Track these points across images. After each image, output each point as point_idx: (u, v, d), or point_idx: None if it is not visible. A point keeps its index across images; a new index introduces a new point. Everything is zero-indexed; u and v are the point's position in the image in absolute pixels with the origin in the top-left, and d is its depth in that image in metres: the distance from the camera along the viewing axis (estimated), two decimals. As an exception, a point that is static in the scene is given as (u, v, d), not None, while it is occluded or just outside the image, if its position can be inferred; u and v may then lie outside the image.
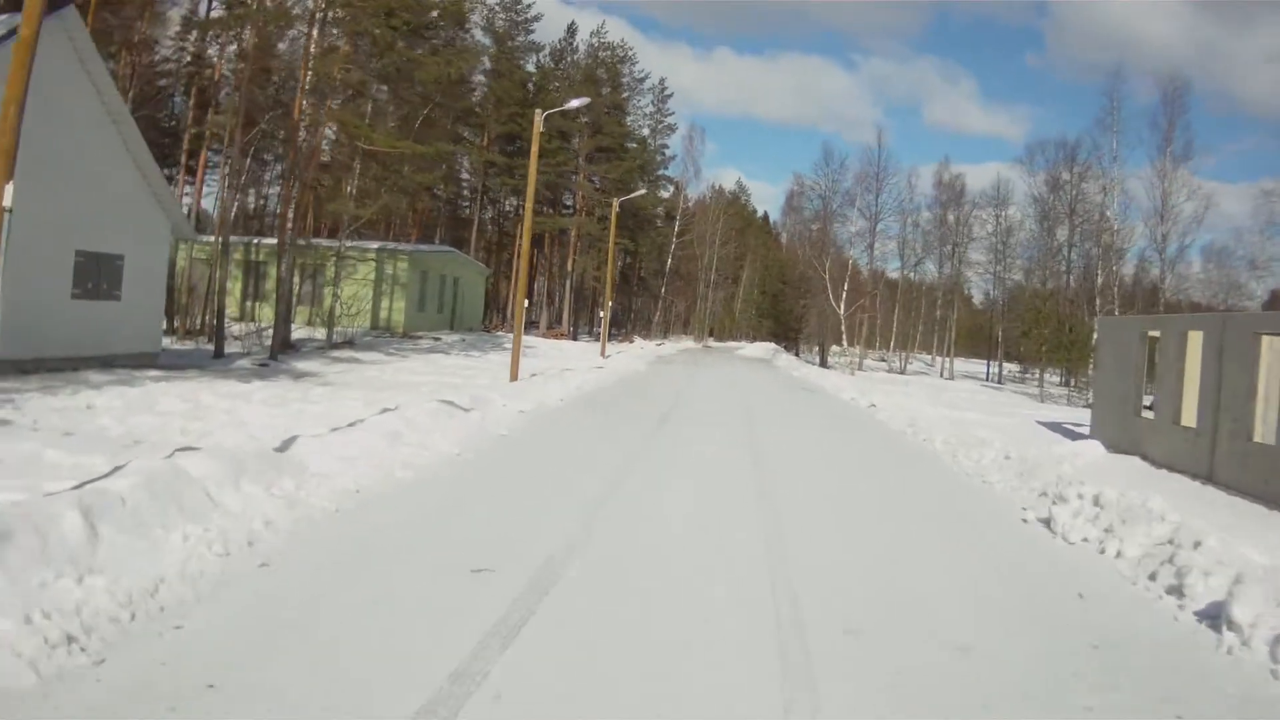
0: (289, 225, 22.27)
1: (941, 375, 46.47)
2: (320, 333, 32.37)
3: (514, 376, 17.16)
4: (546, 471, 8.35)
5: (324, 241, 33.24)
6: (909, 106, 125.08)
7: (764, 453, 10.45)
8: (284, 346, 24.54)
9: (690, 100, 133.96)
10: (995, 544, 6.75)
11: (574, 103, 21.43)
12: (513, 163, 46.93)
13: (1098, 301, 41.75)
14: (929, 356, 66.29)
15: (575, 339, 50.54)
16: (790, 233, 75.47)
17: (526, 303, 25.24)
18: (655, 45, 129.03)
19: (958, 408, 21.62)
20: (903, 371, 45.72)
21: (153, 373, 16.08)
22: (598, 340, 55.69)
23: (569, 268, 48.66)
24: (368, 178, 25.70)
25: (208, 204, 42.13)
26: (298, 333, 28.51)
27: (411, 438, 9.04)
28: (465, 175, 50.94)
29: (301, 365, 20.91)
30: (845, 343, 33.69)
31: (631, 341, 52.95)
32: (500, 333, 42.78)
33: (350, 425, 9.49)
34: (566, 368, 22.94)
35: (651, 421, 12.59)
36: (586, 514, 6.40)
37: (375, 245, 33.04)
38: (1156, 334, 14.46)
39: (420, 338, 31.13)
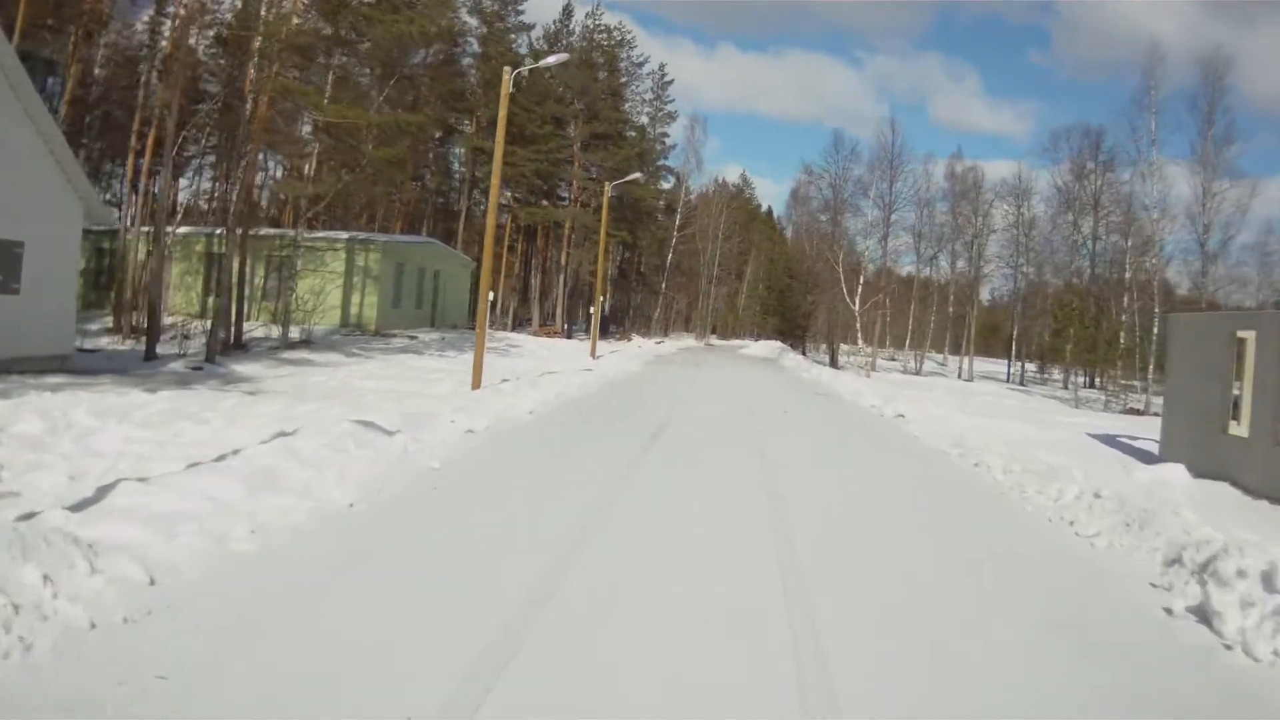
0: (234, 209, 19.85)
1: (959, 376, 43.97)
2: (295, 331, 30.09)
3: (477, 384, 14.75)
4: (465, 541, 5.73)
5: (289, 231, 30.91)
6: (914, 104, 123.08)
7: (783, 498, 7.97)
8: (234, 346, 22.17)
9: (694, 97, 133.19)
10: (1150, 666, 4.30)
11: (550, 59, 18.97)
12: (514, 157, 44.42)
13: (1126, 298, 39.26)
14: (940, 356, 63.78)
15: (570, 337, 48.13)
16: (796, 226, 73.04)
17: (492, 296, 22.84)
18: (658, 41, 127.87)
19: (992, 416, 19.17)
20: (918, 372, 43.24)
21: (54, 379, 13.70)
22: (599, 338, 53.37)
23: (563, 261, 46.22)
24: (324, 155, 23.23)
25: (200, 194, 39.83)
26: (257, 330, 26.16)
27: (292, 478, 6.61)
28: (458, 167, 48.56)
29: (241, 368, 18.50)
30: (860, 341, 31.17)
31: (630, 339, 50.53)
32: (490, 331, 40.40)
33: (219, 459, 7.08)
34: (549, 370, 20.53)
35: (634, 446, 10.14)
36: (495, 656, 4.00)
37: (345, 235, 30.62)
38: (1248, 334, 11.99)
39: (394, 336, 28.72)
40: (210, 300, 30.22)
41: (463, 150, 46.13)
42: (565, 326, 51.14)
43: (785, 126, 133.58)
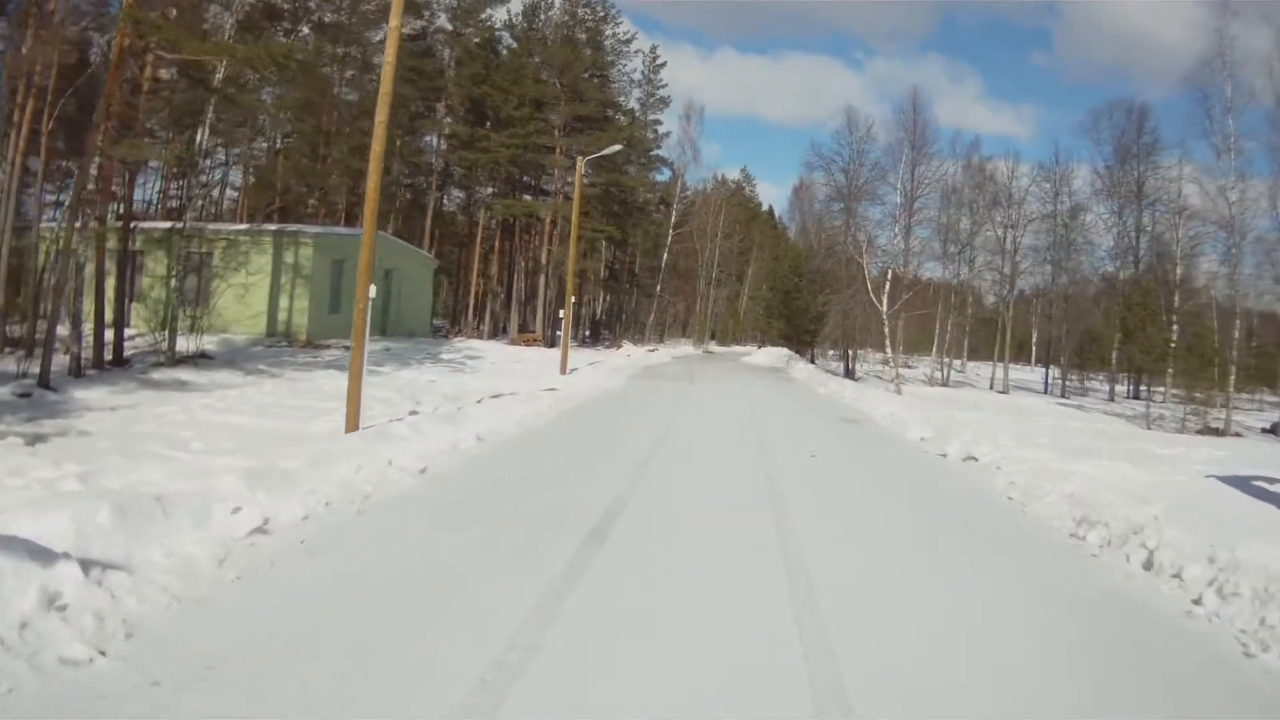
0: (78, 191, 15.40)
1: (991, 387, 39.39)
2: (202, 341, 25.72)
3: (352, 424, 10.26)
4: None
5: (203, 226, 26.60)
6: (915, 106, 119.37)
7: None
8: (113, 362, 17.73)
9: (693, 100, 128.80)
10: None
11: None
12: (476, 133, 40.09)
13: (1176, 296, 34.78)
14: (958, 362, 59.19)
15: (553, 345, 43.67)
16: (801, 221, 68.59)
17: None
18: (658, 44, 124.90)
19: (1076, 450, 14.67)
20: (945, 383, 38.73)
21: None
22: (586, 346, 48.81)
23: (544, 260, 41.77)
24: (224, 125, 18.78)
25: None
26: (180, 343, 21.72)
27: None
28: (431, 158, 44.19)
29: (84, 394, 14.06)
30: (888, 349, 26.70)
31: (619, 347, 46.08)
32: (460, 339, 36.05)
33: None
34: (500, 393, 16.06)
35: (559, 567, 5.63)
36: None
37: (273, 228, 26.23)
38: None
39: (327, 346, 24.26)
40: (127, 305, 25.97)
41: (436, 138, 41.75)
42: (549, 333, 46.69)
43: (785, 131, 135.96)
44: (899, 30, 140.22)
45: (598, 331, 60.84)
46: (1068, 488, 9.23)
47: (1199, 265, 37.34)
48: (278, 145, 42.82)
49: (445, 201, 50.90)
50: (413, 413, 12.32)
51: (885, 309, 26.31)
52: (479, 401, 14.21)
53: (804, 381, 28.48)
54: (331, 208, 41.52)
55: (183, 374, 17.13)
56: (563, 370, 21.29)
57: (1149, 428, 24.00)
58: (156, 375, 16.67)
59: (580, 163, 22.08)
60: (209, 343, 24.80)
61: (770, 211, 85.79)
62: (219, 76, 18.29)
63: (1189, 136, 40.16)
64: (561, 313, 21.30)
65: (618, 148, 25.56)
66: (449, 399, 14.75)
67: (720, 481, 9.06)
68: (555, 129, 40.87)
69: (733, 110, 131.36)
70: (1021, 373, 53.98)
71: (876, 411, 18.11)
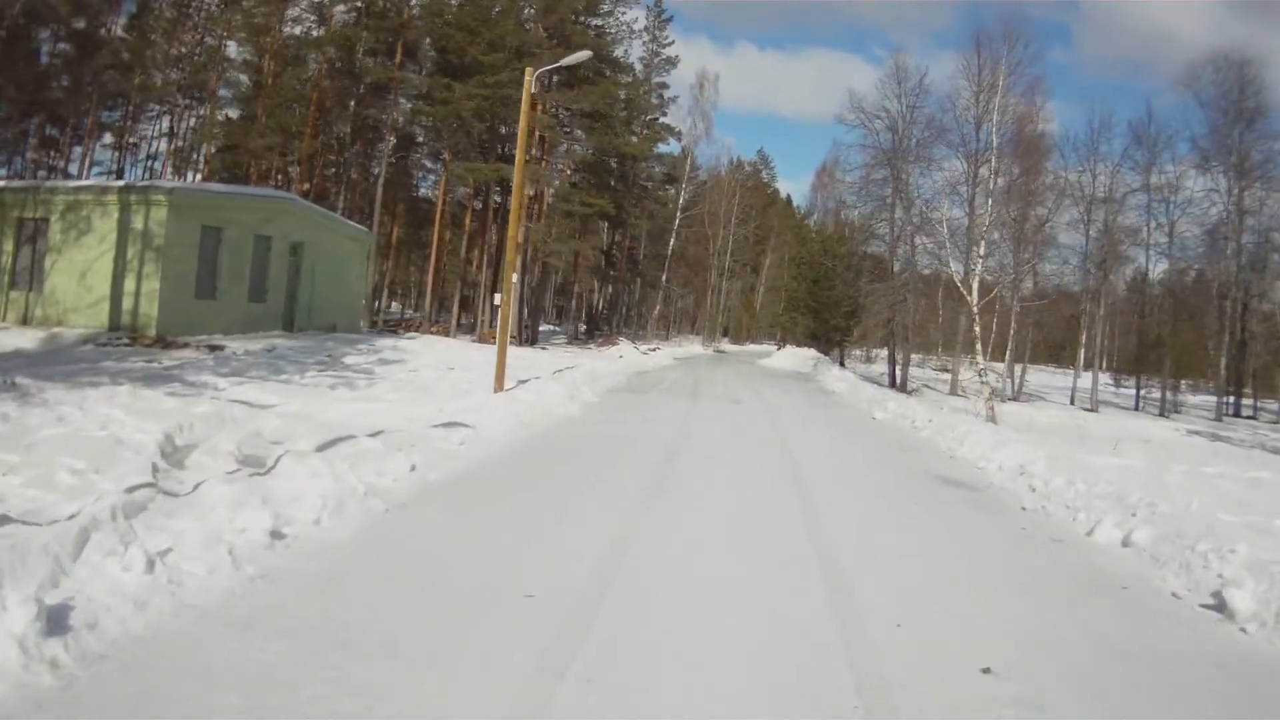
0: None
1: (1072, 401, 32.24)
2: (24, 337, 19.64)
3: None
4: None
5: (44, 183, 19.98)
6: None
7: None
8: None
9: (706, 69, 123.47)
10: None
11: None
12: (434, 83, 33.24)
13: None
14: (999, 365, 51.95)
15: (534, 344, 36.81)
16: (823, 211, 61.46)
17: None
18: (674, 37, 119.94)
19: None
20: (1016, 396, 31.72)
21: None
22: (577, 343, 41.72)
23: (521, 239, 34.81)
24: None
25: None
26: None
27: None
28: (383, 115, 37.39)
29: None
30: (978, 356, 19.59)
31: (614, 345, 39.17)
32: (409, 336, 29.28)
33: None
34: (351, 434, 9.16)
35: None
36: None
37: (119, 184, 19.52)
38: None
39: (184, 346, 17.49)
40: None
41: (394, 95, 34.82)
42: (528, 330, 39.83)
43: (804, 126, 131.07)
44: (918, 24, 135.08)
45: (595, 326, 53.80)
46: None
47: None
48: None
49: (418, 177, 44.15)
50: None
51: (975, 300, 19.17)
52: (270, 467, 7.34)
53: (846, 397, 21.52)
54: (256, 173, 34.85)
55: None
56: (498, 386, 14.33)
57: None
58: None
59: (529, 77, 15.19)
60: (30, 340, 18.22)
61: (788, 200, 78.82)
62: None
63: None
64: (498, 297, 14.35)
65: (586, 54, 18.60)
66: (232, 452, 7.86)
67: None
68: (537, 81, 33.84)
69: (752, 105, 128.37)
70: (1065, 379, 46.64)
71: (991, 464, 11.16)
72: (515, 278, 13.88)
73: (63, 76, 37.13)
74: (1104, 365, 44.43)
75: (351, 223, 27.52)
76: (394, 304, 49.90)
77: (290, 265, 22.72)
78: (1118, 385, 45.68)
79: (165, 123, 41.23)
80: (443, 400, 13.25)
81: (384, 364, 18.15)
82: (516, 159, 13.93)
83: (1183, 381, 38.66)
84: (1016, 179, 21.22)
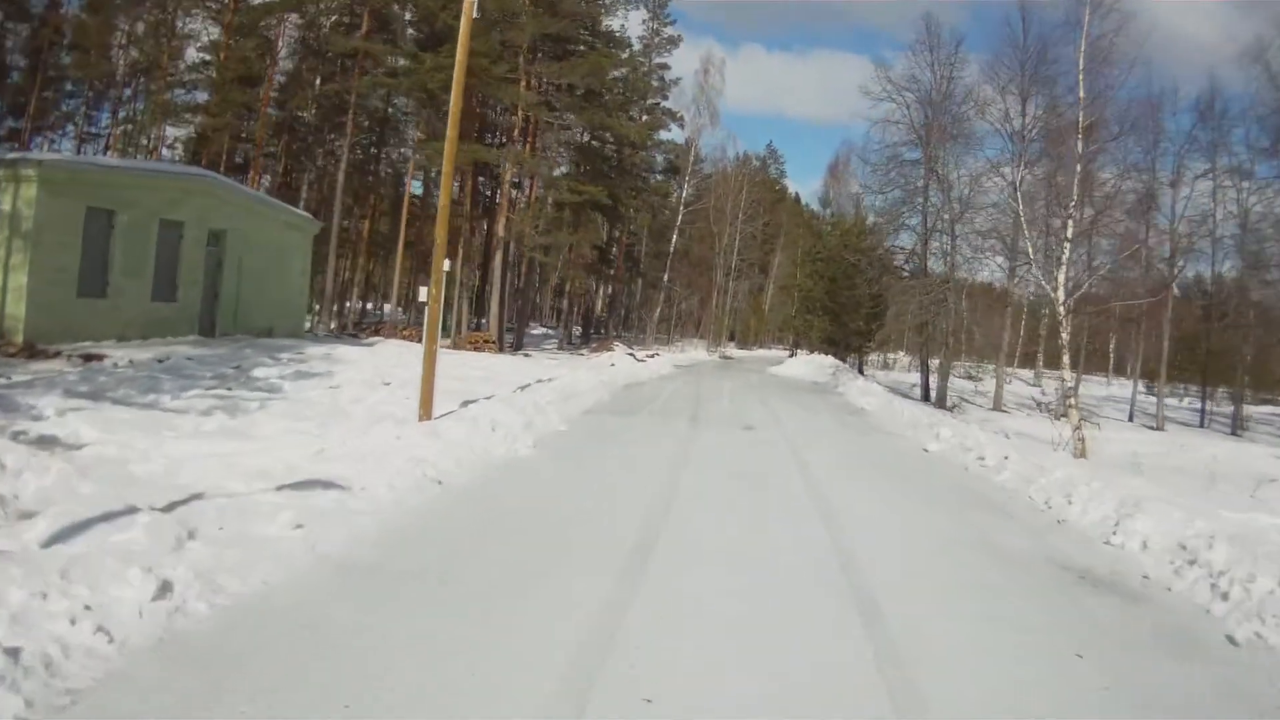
0: None
1: (1131, 418, 28.45)
2: None
3: None
4: None
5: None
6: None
7: None
8: None
9: (712, 52, 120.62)
10: None
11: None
12: (398, 50, 29.75)
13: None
14: (1027, 373, 48.15)
15: (519, 349, 33.21)
16: (838, 206, 57.78)
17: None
18: (686, 43, 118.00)
19: None
20: (1067, 418, 27.88)
21: None
22: (566, 348, 37.78)
23: (501, 231, 31.30)
24: None
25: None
26: None
27: None
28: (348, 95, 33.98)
29: None
30: (1067, 369, 15.71)
31: (610, 350, 35.54)
32: (371, 341, 25.87)
33: None
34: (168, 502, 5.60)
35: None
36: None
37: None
38: None
39: (54, 355, 13.97)
40: None
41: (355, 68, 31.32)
42: (518, 333, 36.29)
43: (812, 128, 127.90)
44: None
45: (593, 329, 50.18)
46: None
47: None
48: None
49: (399, 165, 40.61)
50: None
51: (1061, 299, 15.26)
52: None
53: (881, 418, 17.85)
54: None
55: None
56: (423, 413, 10.67)
57: None
58: None
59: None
60: None
61: (797, 199, 75.13)
62: None
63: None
64: (424, 293, 10.67)
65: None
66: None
67: None
68: (519, 53, 30.37)
69: (759, 108, 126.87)
70: (1099, 388, 42.83)
71: (1130, 541, 7.56)
72: (447, 264, 10.29)
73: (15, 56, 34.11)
74: (1137, 371, 40.63)
75: (291, 208, 23.92)
76: (368, 305, 46.30)
77: (210, 257, 19.17)
78: (1149, 394, 41.86)
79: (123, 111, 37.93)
80: (341, 434, 9.67)
81: (301, 378, 14.56)
82: (453, 99, 10.35)
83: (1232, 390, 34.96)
84: (1118, 136, 17.47)
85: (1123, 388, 42.82)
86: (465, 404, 12.32)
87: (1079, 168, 15.00)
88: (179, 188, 18.35)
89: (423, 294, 10.91)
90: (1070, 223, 15.15)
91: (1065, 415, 14.52)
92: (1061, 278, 15.34)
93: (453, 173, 10.60)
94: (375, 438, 9.32)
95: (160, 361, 15.03)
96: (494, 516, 6.94)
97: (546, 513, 7.15)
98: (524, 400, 13.35)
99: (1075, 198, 14.98)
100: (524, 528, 6.60)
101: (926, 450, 13.06)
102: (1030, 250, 15.78)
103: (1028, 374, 48.39)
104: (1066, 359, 15.19)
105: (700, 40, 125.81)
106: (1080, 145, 14.95)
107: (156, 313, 17.77)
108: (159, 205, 17.68)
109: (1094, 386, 43.67)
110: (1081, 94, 15.28)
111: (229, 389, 13.22)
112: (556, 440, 11.05)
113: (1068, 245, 15.16)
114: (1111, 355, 34.05)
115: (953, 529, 7.90)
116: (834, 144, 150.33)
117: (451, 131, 10.62)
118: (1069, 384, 15.19)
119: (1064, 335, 15.00)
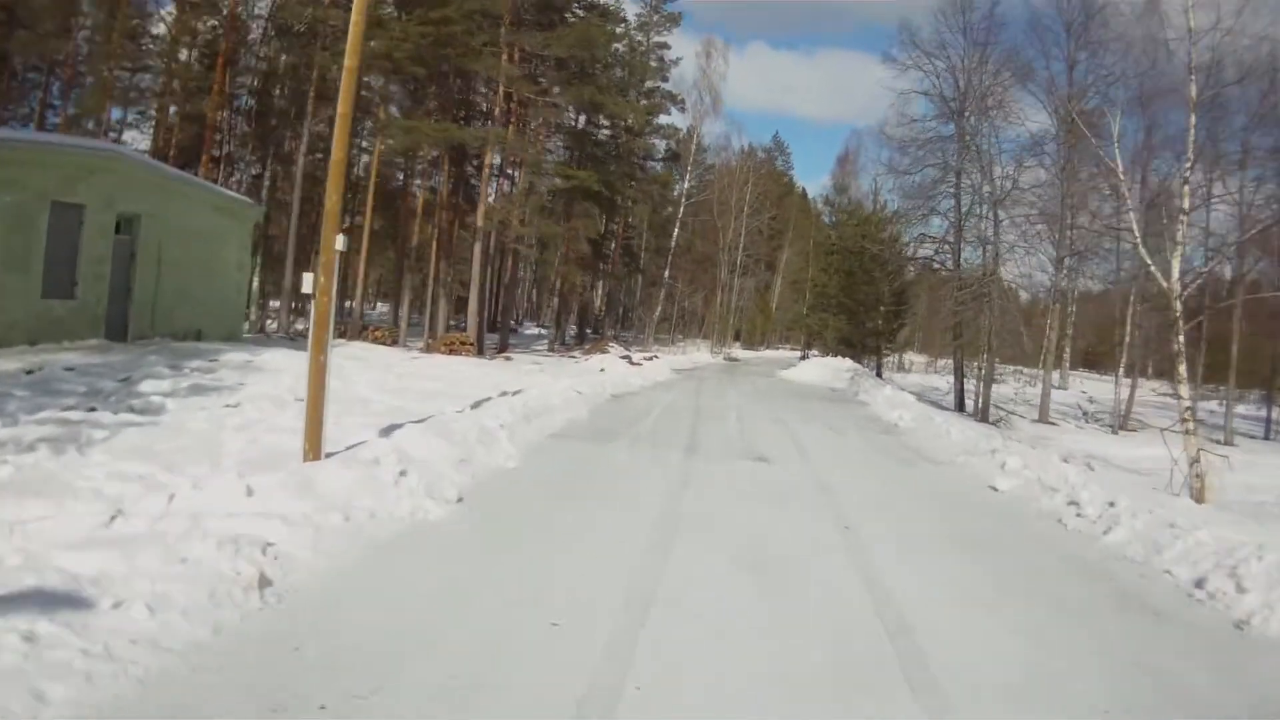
0: None
1: (1226, 434, 25.15)
2: None
3: None
4: None
5: None
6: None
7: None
8: None
9: (714, 38, 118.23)
10: None
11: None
12: (380, 30, 26.75)
13: None
14: (1056, 374, 44.89)
15: (501, 352, 30.27)
16: (850, 198, 54.73)
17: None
18: (686, 37, 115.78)
19: None
20: (1123, 424, 24.66)
21: None
22: (559, 350, 34.69)
23: (480, 221, 28.35)
24: None
25: None
26: None
27: None
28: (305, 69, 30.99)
29: None
30: (1184, 381, 12.77)
31: (603, 353, 32.56)
32: (334, 344, 22.65)
33: None
34: None
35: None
36: None
37: None
38: None
39: None
40: None
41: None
42: (497, 335, 33.40)
43: (818, 129, 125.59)
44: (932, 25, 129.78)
45: (590, 328, 47.20)
46: None
47: None
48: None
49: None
50: None
51: (1177, 292, 12.14)
52: None
53: (921, 438, 14.82)
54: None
55: None
56: (310, 449, 7.67)
57: None
58: None
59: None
60: None
61: (804, 194, 72.02)
62: None
63: None
64: (305, 289, 7.73)
65: None
66: None
67: None
68: (500, 23, 27.40)
69: (765, 106, 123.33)
70: (1099, 386, 39.31)
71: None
72: (340, 241, 7.37)
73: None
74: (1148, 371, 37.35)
75: (223, 190, 20.96)
76: (349, 303, 43.34)
77: (120, 247, 16.24)
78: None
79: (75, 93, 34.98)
80: (180, 483, 6.70)
81: (196, 394, 11.60)
82: (350, 33, 7.46)
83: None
84: (1241, 80, 14.37)
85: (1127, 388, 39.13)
86: (387, 430, 9.35)
87: (1193, 116, 11.98)
88: (77, 164, 15.39)
89: (307, 283, 7.93)
90: (1186, 189, 12.08)
91: (1196, 458, 11.32)
92: (1176, 263, 12.20)
93: (350, 114, 7.63)
94: (215, 493, 6.37)
95: (29, 373, 12.10)
96: (305, 689, 3.84)
97: (407, 671, 4.09)
98: (469, 423, 10.39)
99: (1190, 156, 11.90)
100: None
101: (995, 489, 10.05)
102: (1135, 226, 12.72)
103: (1051, 376, 45.17)
104: (1183, 369, 12.07)
105: (706, 36, 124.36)
106: (1194, 88, 11.90)
107: (49, 313, 14.84)
108: (51, 184, 14.74)
109: (1146, 394, 40.12)
110: (1191, 23, 12.17)
111: (91, 410, 10.28)
112: (495, 488, 8.10)
113: (1184, 219, 12.07)
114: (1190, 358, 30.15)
115: (1102, 664, 4.88)
116: (841, 144, 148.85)
117: (344, 105, 7.67)
118: (1186, 402, 12.09)
119: (1178, 339, 11.85)
